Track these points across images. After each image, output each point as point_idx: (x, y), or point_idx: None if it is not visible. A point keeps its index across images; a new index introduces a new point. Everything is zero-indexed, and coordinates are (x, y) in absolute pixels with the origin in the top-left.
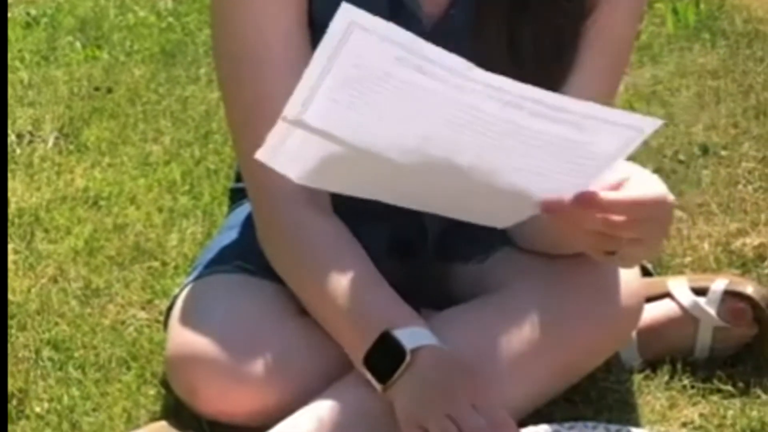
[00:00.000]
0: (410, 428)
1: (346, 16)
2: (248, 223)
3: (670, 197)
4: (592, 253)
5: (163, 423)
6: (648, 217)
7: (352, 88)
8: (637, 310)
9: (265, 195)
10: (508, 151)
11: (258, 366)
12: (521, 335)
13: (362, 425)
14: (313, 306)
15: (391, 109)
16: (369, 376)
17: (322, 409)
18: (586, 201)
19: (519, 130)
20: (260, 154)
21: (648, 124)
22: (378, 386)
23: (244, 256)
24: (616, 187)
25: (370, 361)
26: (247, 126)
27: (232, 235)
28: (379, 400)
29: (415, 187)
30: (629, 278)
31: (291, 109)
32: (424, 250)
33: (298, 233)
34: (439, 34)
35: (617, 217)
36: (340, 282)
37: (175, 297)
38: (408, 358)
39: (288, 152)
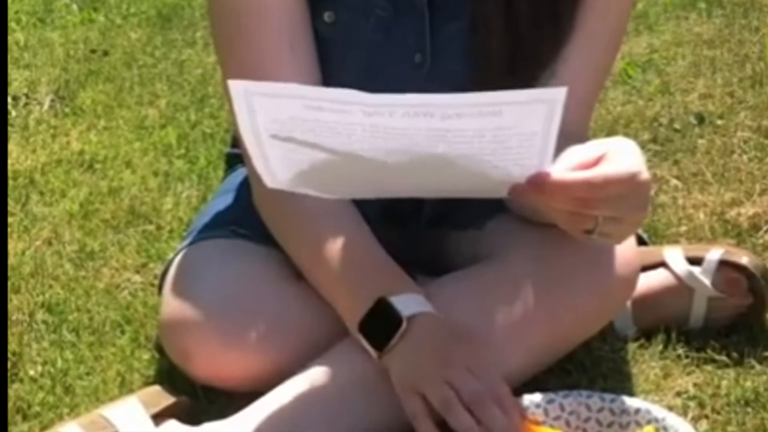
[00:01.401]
0: (407, 394)
1: (238, 89)
2: (244, 188)
3: (644, 174)
4: (570, 231)
5: (157, 387)
6: (620, 194)
7: (289, 139)
8: (632, 279)
9: None
10: (450, 154)
11: (252, 331)
12: (516, 303)
13: (357, 391)
14: (309, 271)
15: (336, 144)
16: (364, 342)
17: (317, 374)
18: (537, 184)
19: (443, 134)
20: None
21: (557, 94)
22: (373, 353)
23: (239, 221)
24: (594, 163)
25: (365, 327)
26: None
27: (227, 199)
28: (374, 367)
29: (405, 179)
30: (624, 247)
31: (267, 181)
32: (419, 219)
33: (295, 197)
34: None
35: (587, 197)
36: (337, 247)
37: (170, 261)
38: (404, 324)
39: (276, 164)
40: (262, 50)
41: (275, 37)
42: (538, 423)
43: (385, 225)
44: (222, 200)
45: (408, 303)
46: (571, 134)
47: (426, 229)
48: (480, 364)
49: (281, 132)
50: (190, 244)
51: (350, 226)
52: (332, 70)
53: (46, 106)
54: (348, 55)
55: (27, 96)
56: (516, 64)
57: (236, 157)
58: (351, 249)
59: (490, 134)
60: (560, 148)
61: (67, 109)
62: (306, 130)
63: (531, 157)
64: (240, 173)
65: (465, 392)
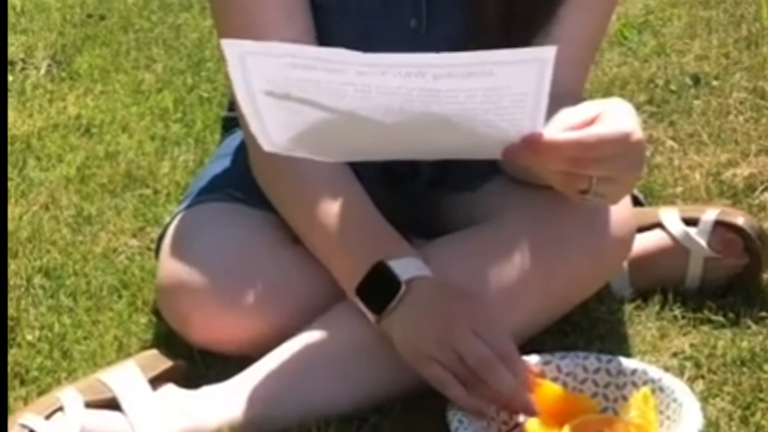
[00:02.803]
0: (421, 362)
1: (233, 50)
2: (240, 152)
3: (637, 134)
4: (565, 191)
5: (154, 351)
6: (614, 154)
7: (285, 99)
8: (628, 240)
9: None
10: (445, 114)
11: (248, 295)
12: (511, 265)
13: (355, 354)
14: (305, 235)
15: (331, 103)
16: (362, 306)
17: (314, 337)
18: (530, 144)
19: (435, 94)
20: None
21: (547, 52)
22: (371, 317)
23: (236, 184)
24: (588, 124)
25: (363, 291)
26: None
27: (224, 163)
28: (372, 330)
29: (402, 141)
30: (620, 208)
31: (264, 144)
32: (416, 181)
33: (290, 161)
34: None
35: (580, 156)
36: (333, 211)
37: (167, 225)
38: (403, 288)
39: (272, 126)
40: (259, 18)
41: (272, 5)
42: (543, 376)
43: (381, 187)
44: (219, 164)
45: (407, 266)
46: (566, 95)
47: (422, 192)
48: (484, 324)
49: (276, 90)
50: (187, 207)
51: (346, 189)
52: (329, 38)
53: (42, 71)
54: (344, 23)
55: (24, 61)
56: (511, 26)
57: (233, 121)
58: (347, 212)
59: (482, 94)
60: (555, 109)
61: (63, 74)
62: (301, 90)
63: (524, 118)
64: (237, 137)
65: (471, 358)
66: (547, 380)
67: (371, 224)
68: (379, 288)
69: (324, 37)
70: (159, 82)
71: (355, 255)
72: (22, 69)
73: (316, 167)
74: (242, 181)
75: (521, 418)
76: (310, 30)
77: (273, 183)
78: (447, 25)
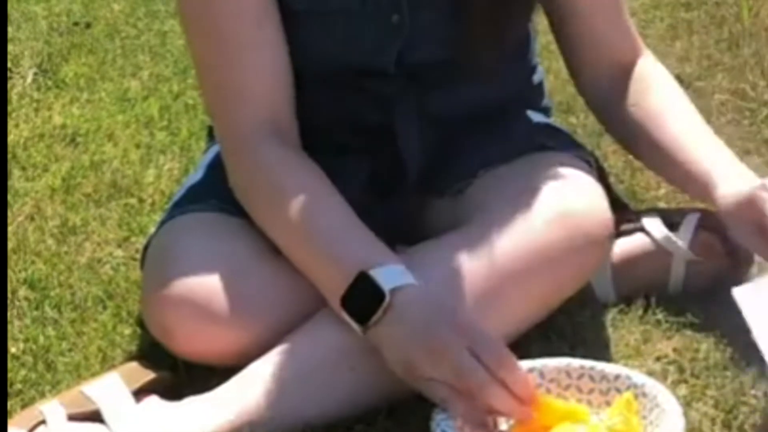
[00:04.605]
0: (407, 375)
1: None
2: (219, 160)
3: None
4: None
5: (138, 363)
6: None
7: None
8: (605, 242)
9: (231, 137)
10: None
11: (232, 306)
12: (494, 267)
13: (336, 362)
14: (286, 248)
15: None
16: (347, 318)
17: (296, 347)
18: None
19: None
20: None
21: None
22: (357, 328)
23: (221, 194)
24: None
25: (347, 303)
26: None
27: (209, 172)
28: (353, 338)
29: None
30: (598, 210)
31: None
32: (404, 186)
33: (267, 175)
34: None
35: None
36: (312, 223)
37: (151, 237)
38: (387, 298)
39: None
40: (228, 31)
41: (241, 16)
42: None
43: (368, 193)
44: (204, 173)
45: (390, 275)
46: (630, 59)
47: (408, 197)
48: (478, 340)
49: None
50: (171, 217)
51: (324, 198)
52: (312, 41)
53: (29, 80)
54: (326, 25)
55: (10, 70)
56: (498, 15)
57: None
58: (327, 223)
59: None
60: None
61: (50, 83)
62: None
63: None
64: None
65: (471, 380)
66: (546, 395)
67: (351, 233)
68: (363, 299)
69: (307, 41)
70: (145, 89)
71: (336, 265)
72: (9, 78)
73: (293, 180)
74: (227, 190)
75: (504, 425)
76: (281, 39)
77: (250, 196)
78: (429, 17)
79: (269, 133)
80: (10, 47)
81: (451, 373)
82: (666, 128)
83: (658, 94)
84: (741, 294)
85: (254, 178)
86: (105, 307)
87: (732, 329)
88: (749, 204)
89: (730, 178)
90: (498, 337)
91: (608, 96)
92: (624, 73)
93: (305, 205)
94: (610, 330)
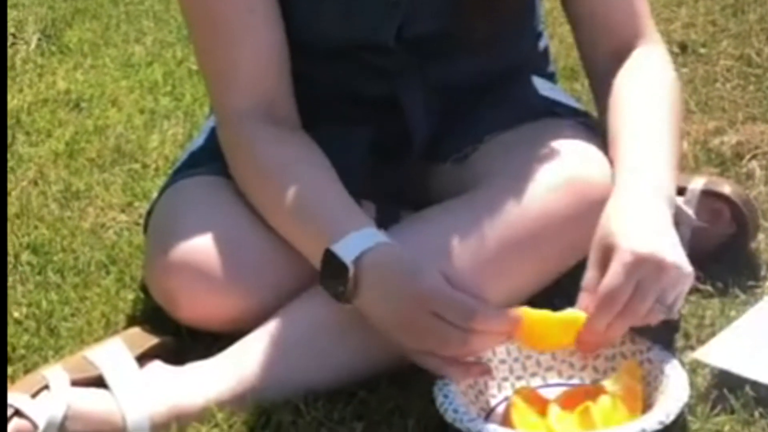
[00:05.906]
0: (414, 355)
1: None
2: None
3: (641, 256)
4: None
5: (141, 328)
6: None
7: None
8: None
9: (226, 119)
10: None
11: (235, 272)
12: (501, 230)
13: (330, 331)
14: (275, 227)
15: None
16: (329, 295)
17: (293, 316)
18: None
19: None
20: None
21: None
22: (339, 302)
23: (222, 156)
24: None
25: (323, 283)
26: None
27: (210, 136)
28: (344, 309)
29: None
30: (603, 175)
31: None
32: (408, 153)
33: (254, 153)
34: None
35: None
36: (290, 201)
37: (154, 202)
38: (351, 269)
39: None
40: (220, 17)
41: (232, 2)
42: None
43: (373, 161)
44: (205, 137)
45: (355, 243)
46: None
47: (413, 164)
48: (438, 303)
49: None
50: (175, 182)
51: (305, 174)
52: (309, 19)
53: (33, 45)
54: (325, 4)
55: (14, 36)
56: None
57: None
58: (301, 200)
59: None
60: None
61: (53, 48)
62: None
63: None
64: None
65: (448, 349)
66: (525, 308)
67: (324, 205)
68: (333, 276)
69: (305, 19)
70: (149, 55)
71: (315, 242)
72: (13, 44)
73: (276, 157)
74: (222, 154)
75: (508, 391)
76: (276, 22)
77: (238, 174)
78: None
79: (262, 113)
80: (14, 13)
81: (430, 345)
82: (615, 118)
83: (633, 84)
84: (705, 355)
85: (242, 157)
86: (108, 272)
87: (737, 295)
88: (608, 249)
89: (622, 198)
90: (463, 301)
91: (601, 77)
92: (618, 59)
93: (285, 182)
94: None
